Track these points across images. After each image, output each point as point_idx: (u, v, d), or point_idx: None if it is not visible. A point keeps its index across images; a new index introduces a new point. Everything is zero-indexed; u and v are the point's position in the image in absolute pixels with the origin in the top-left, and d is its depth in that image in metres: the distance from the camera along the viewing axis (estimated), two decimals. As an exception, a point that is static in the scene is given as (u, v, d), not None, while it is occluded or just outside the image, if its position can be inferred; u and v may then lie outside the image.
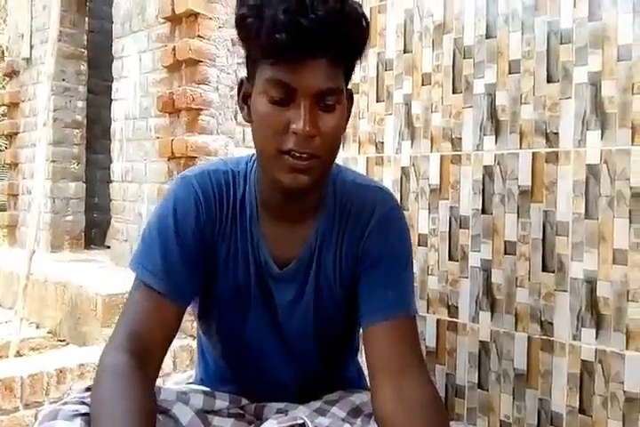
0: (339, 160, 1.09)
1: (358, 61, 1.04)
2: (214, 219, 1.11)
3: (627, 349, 1.33)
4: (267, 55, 0.94)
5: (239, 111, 1.10)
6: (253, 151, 1.09)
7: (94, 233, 4.54)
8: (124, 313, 1.07)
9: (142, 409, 0.91)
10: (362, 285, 1.12)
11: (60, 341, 3.15)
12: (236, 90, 1.09)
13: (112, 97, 3.49)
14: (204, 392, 1.20)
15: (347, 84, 1.04)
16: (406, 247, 1.16)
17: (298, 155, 0.97)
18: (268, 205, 1.12)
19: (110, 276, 3.13)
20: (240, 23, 0.97)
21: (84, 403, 0.99)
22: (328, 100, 0.97)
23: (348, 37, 0.96)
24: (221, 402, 1.19)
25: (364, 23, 0.98)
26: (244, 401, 1.22)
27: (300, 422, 1.08)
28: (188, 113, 2.70)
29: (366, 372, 1.10)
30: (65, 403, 0.99)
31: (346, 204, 1.14)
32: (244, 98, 1.06)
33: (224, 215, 1.12)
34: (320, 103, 0.97)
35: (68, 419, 0.94)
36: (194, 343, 2.36)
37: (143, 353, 1.01)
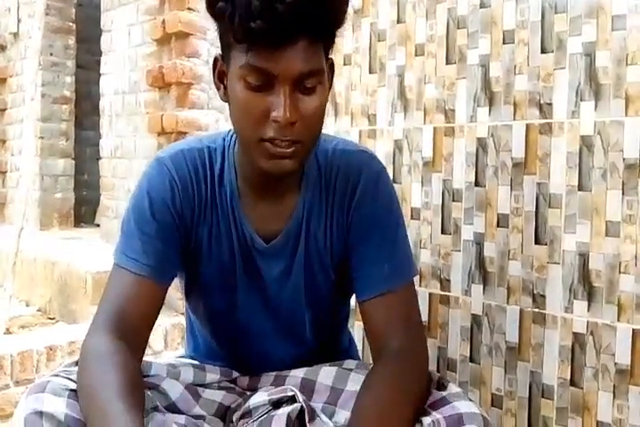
0: (331, 133, 1.07)
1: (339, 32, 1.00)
2: (192, 200, 1.09)
3: (618, 321, 1.33)
4: (241, 41, 0.90)
5: (215, 90, 1.06)
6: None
7: (84, 211, 4.51)
8: (104, 296, 1.06)
9: (129, 392, 0.90)
10: (355, 256, 1.11)
11: (50, 318, 3.15)
12: (211, 68, 1.04)
13: (101, 71, 3.44)
14: (195, 366, 1.20)
15: (327, 56, 1.00)
16: (396, 210, 1.15)
17: (279, 142, 0.95)
18: (249, 182, 1.10)
19: (100, 253, 3.12)
20: (211, 6, 0.93)
21: (71, 379, 0.98)
22: (308, 83, 0.94)
23: (325, 16, 0.91)
24: (212, 375, 1.19)
25: None
26: (235, 374, 1.22)
27: (291, 394, 1.08)
28: (179, 87, 2.67)
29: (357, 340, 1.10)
30: (55, 375, 0.99)
31: (331, 173, 1.12)
32: (220, 76, 1.02)
33: (203, 195, 1.09)
34: (300, 86, 0.94)
35: (56, 393, 0.94)
36: (184, 321, 2.35)
37: (127, 334, 1.00)
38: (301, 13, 0.87)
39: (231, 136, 1.12)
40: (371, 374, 1.03)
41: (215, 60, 1.03)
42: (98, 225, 3.92)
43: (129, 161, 3.19)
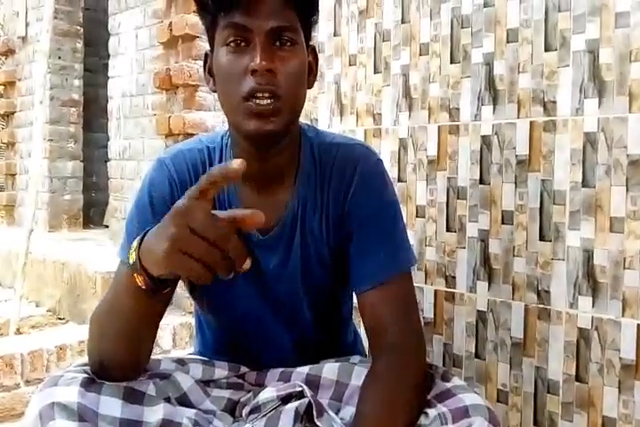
0: (336, 132, 1.08)
1: (314, 16, 1.09)
2: None
3: (623, 316, 1.33)
4: (219, 1, 0.99)
5: (206, 84, 1.13)
6: None
7: (92, 212, 4.55)
8: (109, 291, 1.08)
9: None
10: (352, 247, 1.13)
11: (60, 319, 3.18)
12: (202, 64, 1.13)
13: (109, 74, 3.47)
14: (203, 361, 1.22)
15: (308, 40, 1.08)
16: (393, 201, 1.16)
17: (260, 95, 0.99)
18: (245, 172, 1.13)
19: (109, 254, 3.14)
20: None
21: (84, 371, 1.00)
22: (283, 38, 1.00)
23: None
24: (220, 371, 1.21)
25: None
26: (244, 369, 1.23)
27: (299, 389, 1.10)
28: (186, 89, 2.69)
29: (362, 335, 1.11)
30: (66, 371, 1.01)
31: (326, 164, 1.14)
32: (210, 71, 1.09)
33: None
34: (276, 42, 1.01)
35: (68, 384, 0.96)
36: (192, 320, 2.37)
37: None
38: None
39: (228, 135, 1.15)
40: (370, 373, 1.05)
41: (205, 55, 1.11)
42: (106, 226, 3.95)
43: (137, 162, 3.22)
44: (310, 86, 1.11)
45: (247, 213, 0.77)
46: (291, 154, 1.13)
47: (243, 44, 1.00)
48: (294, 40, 1.02)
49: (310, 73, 1.10)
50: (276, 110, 1.00)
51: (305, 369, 1.17)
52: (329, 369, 1.16)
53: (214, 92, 1.08)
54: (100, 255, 3.17)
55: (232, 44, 1.00)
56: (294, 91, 1.03)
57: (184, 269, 0.76)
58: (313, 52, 1.12)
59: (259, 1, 0.98)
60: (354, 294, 1.20)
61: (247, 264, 0.78)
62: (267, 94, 0.99)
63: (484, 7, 1.55)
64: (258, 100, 0.99)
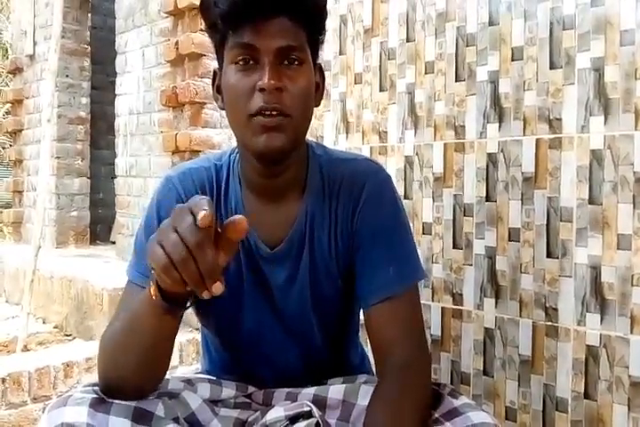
0: (342, 149, 1.09)
1: (322, 36, 1.10)
2: None
3: (631, 333, 1.33)
4: (227, 20, 1.00)
5: (214, 102, 1.15)
6: None
7: (99, 229, 4.56)
8: (118, 310, 1.08)
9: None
10: (360, 261, 1.13)
11: (67, 335, 3.18)
12: (210, 82, 1.14)
13: (116, 92, 3.50)
14: (211, 381, 1.21)
15: (315, 59, 1.09)
16: (401, 216, 1.17)
17: (267, 113, 1.00)
18: (252, 187, 1.14)
19: (116, 270, 3.15)
20: (202, 5, 1.05)
21: (93, 391, 1.00)
22: (291, 57, 1.02)
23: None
24: (228, 390, 1.20)
25: None
26: (251, 388, 1.23)
27: (307, 409, 1.09)
28: (192, 107, 2.71)
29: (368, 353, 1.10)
30: (75, 391, 1.01)
31: (335, 180, 1.15)
32: (218, 88, 1.10)
33: None
34: (284, 61, 1.02)
35: (77, 404, 0.96)
36: (199, 336, 2.37)
37: None
38: None
39: (236, 152, 1.16)
40: (376, 391, 1.04)
41: (214, 73, 1.13)
42: (113, 242, 3.96)
43: (143, 179, 3.23)
44: (317, 105, 1.12)
45: (230, 218, 0.78)
46: (298, 170, 1.14)
47: (251, 62, 1.01)
48: (302, 59, 1.03)
49: (317, 91, 1.11)
50: (283, 127, 1.01)
51: (311, 390, 1.17)
52: (335, 389, 1.16)
53: (222, 109, 1.09)
54: (107, 272, 3.18)
55: (241, 62, 1.01)
56: (301, 109, 1.04)
57: (153, 259, 0.78)
58: (320, 70, 1.13)
59: (267, 20, 0.99)
60: (361, 309, 1.20)
61: (218, 288, 0.79)
62: (274, 112, 1.00)
63: (489, 26, 1.56)
64: (265, 118, 1.00)
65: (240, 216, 0.78)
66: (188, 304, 0.94)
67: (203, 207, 0.75)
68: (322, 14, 1.08)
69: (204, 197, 0.78)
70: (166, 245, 0.76)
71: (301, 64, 1.03)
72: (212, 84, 1.12)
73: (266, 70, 0.99)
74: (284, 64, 1.02)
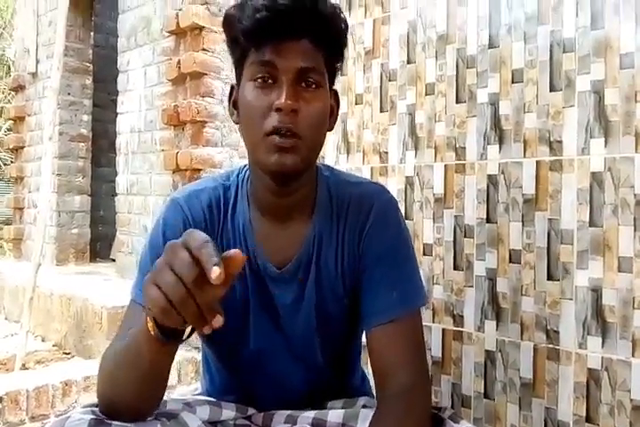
0: (343, 170, 1.10)
1: (340, 63, 1.10)
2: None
3: (633, 356, 1.32)
4: (250, 37, 1.00)
5: (229, 117, 1.14)
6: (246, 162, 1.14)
7: (99, 246, 4.55)
8: (120, 330, 1.07)
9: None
10: (365, 284, 1.13)
11: (66, 353, 3.15)
12: (227, 97, 1.15)
13: (117, 110, 3.51)
14: (210, 402, 1.20)
15: (331, 85, 1.10)
16: (406, 239, 1.17)
17: (282, 132, 1.00)
18: (262, 206, 1.14)
19: (115, 289, 3.14)
20: (226, 20, 1.05)
21: (92, 412, 0.99)
22: (309, 79, 1.02)
23: (324, 21, 1.02)
24: (228, 412, 1.19)
25: (338, 11, 1.05)
26: (251, 410, 1.22)
27: (307, 431, 1.08)
28: (193, 126, 2.71)
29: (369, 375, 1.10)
30: (73, 413, 1.00)
31: (342, 202, 1.15)
32: (235, 103, 1.10)
33: (216, 230, 1.14)
34: (302, 83, 1.02)
35: (76, 425, 0.95)
36: (199, 356, 2.36)
37: None
38: (300, 10, 0.98)
39: (245, 171, 1.16)
40: (376, 415, 1.03)
41: (231, 88, 1.13)
42: (113, 260, 3.95)
43: (144, 197, 3.23)
44: (331, 129, 1.12)
45: (225, 254, 0.76)
46: (308, 191, 1.14)
47: (270, 80, 1.02)
48: (319, 82, 1.04)
49: (331, 116, 1.12)
50: (296, 149, 1.01)
51: (311, 413, 1.16)
52: (335, 414, 1.15)
53: (237, 124, 1.10)
54: (107, 290, 3.16)
55: (259, 79, 1.02)
56: (315, 132, 1.04)
57: (151, 301, 0.75)
58: (335, 95, 1.13)
59: (290, 41, 1.00)
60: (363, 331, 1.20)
61: (218, 322, 0.77)
62: (289, 133, 1.00)
63: (490, 48, 1.57)
64: (279, 138, 1.00)
65: (235, 250, 0.76)
66: (185, 336, 0.93)
67: (212, 258, 0.70)
68: (343, 40, 1.08)
69: (202, 233, 0.75)
70: (163, 285, 0.73)
71: (318, 87, 1.04)
72: (229, 99, 1.13)
73: (283, 90, 0.99)
74: (302, 86, 1.02)
